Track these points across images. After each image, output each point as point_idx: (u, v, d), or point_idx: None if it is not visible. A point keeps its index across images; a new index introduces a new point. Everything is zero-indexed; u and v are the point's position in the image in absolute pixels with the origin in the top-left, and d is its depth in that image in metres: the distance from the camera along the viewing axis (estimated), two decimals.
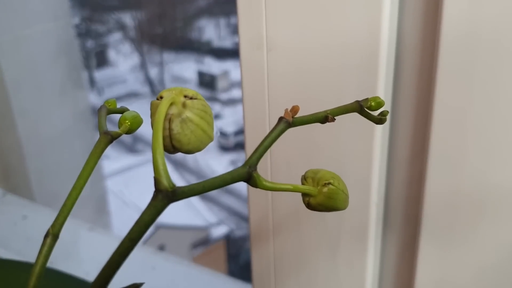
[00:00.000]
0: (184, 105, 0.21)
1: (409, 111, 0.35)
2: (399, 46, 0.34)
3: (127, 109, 0.24)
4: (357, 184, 0.37)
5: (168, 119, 0.21)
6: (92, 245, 0.79)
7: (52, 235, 0.20)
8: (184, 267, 0.73)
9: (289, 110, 0.22)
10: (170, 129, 0.21)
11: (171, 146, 0.21)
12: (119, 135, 0.22)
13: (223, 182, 0.20)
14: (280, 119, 0.22)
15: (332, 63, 0.34)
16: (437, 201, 0.35)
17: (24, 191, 0.91)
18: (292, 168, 0.39)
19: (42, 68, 0.87)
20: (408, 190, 0.37)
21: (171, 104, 0.21)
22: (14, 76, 0.83)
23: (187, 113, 0.21)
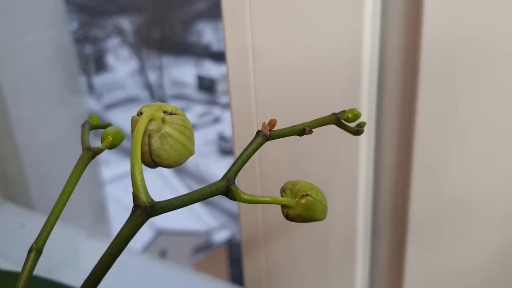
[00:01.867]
0: (163, 121, 0.22)
1: (393, 119, 0.36)
2: (382, 56, 0.34)
3: (110, 124, 0.25)
4: (345, 192, 0.37)
5: (148, 135, 0.21)
6: (90, 253, 0.79)
7: (36, 250, 0.20)
8: (183, 274, 0.74)
9: (266, 123, 0.22)
10: (149, 144, 0.21)
11: (151, 161, 0.22)
12: (101, 150, 0.22)
13: (201, 196, 0.21)
14: (258, 132, 0.22)
15: (316, 73, 0.35)
16: (423, 207, 0.35)
17: (23, 199, 0.91)
18: (281, 178, 0.39)
19: (40, 75, 0.87)
20: (394, 197, 0.38)
21: (151, 119, 0.21)
22: (11, 84, 0.83)
23: (166, 128, 0.21)
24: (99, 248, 0.80)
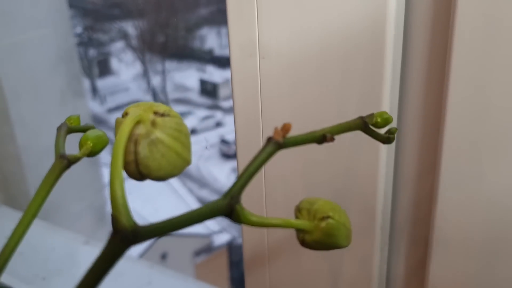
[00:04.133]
0: (153, 124, 0.18)
1: (417, 124, 0.32)
2: (406, 50, 0.30)
3: (92, 127, 0.21)
4: (361, 205, 0.33)
5: (134, 141, 0.17)
6: (87, 260, 0.76)
7: None
8: (182, 281, 0.70)
9: (279, 128, 0.18)
10: (136, 152, 0.17)
11: (138, 173, 0.18)
12: (77, 159, 0.19)
13: (199, 217, 0.17)
14: (269, 139, 0.18)
15: (331, 70, 0.31)
16: (449, 221, 0.31)
17: (22, 203, 0.89)
18: (289, 188, 0.35)
19: (42, 76, 0.86)
20: (415, 211, 0.34)
21: (138, 122, 0.17)
22: (13, 85, 0.81)
23: (157, 133, 0.17)
24: (95, 255, 0.77)
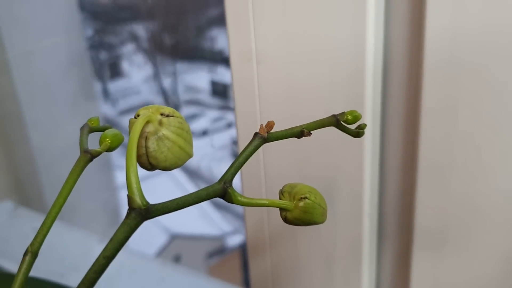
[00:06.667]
0: (160, 123, 0.21)
1: (398, 121, 0.35)
2: (386, 57, 0.34)
3: (109, 127, 0.25)
4: (350, 195, 0.37)
5: (145, 137, 0.21)
6: None
7: (31, 253, 0.20)
8: (195, 279, 0.73)
9: (264, 125, 0.22)
10: (146, 147, 0.21)
11: (148, 164, 0.22)
12: (99, 153, 0.22)
13: (198, 198, 0.21)
14: (255, 134, 0.22)
15: (320, 75, 0.34)
16: (429, 210, 0.35)
17: (37, 204, 0.92)
18: (285, 181, 0.39)
19: (54, 80, 0.87)
20: (401, 199, 0.37)
21: (148, 122, 0.21)
22: (27, 90, 0.83)
23: (163, 131, 0.21)
24: None
